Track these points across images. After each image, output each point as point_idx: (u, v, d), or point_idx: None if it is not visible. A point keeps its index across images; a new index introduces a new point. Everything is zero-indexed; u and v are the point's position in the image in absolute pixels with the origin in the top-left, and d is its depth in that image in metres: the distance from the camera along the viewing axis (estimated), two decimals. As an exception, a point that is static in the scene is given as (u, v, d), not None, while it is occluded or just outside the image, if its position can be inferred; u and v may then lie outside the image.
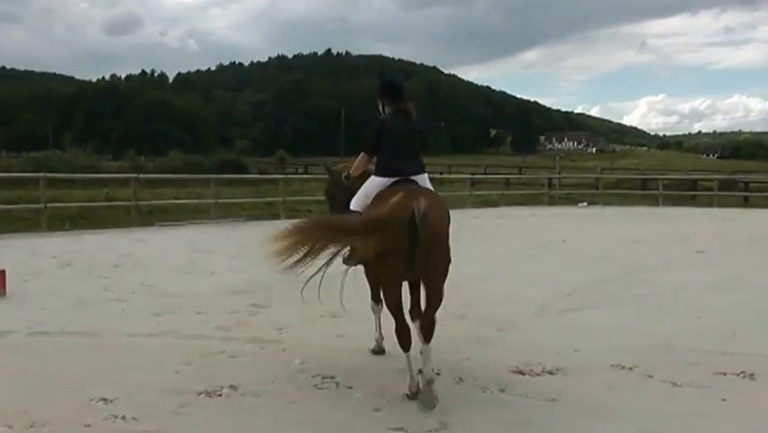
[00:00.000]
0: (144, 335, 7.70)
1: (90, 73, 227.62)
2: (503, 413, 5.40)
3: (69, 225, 18.64)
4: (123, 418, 5.21)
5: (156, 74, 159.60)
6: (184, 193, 24.22)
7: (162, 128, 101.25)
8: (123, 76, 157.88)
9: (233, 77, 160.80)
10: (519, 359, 6.75)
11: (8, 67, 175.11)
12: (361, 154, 6.50)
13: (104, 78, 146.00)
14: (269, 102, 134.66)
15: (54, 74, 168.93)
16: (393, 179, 6.12)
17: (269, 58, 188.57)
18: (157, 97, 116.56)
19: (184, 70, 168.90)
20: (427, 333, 5.69)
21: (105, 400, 5.58)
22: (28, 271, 11.18)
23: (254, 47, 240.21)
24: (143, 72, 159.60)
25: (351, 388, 5.98)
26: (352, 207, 6.29)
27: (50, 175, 20.39)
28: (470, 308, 8.98)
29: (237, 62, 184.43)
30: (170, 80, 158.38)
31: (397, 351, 6.03)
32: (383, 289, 6.09)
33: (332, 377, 6.22)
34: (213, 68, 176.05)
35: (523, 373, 6.40)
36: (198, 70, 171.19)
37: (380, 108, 6.58)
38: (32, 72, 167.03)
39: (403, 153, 6.22)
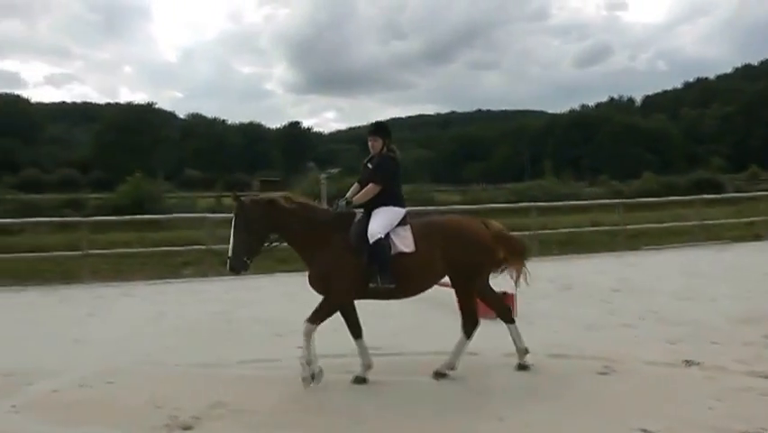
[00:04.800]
0: (663, 364, 7.46)
1: (560, 106, 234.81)
2: None
3: (558, 250, 19.04)
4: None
5: (624, 99, 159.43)
6: (665, 215, 23.55)
7: (630, 152, 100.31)
8: (593, 104, 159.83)
9: (699, 92, 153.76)
10: None
11: (484, 109, 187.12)
12: (372, 185, 7.15)
13: (572, 109, 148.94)
14: (736, 115, 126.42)
15: (526, 111, 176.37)
16: (405, 210, 7.26)
17: (735, 68, 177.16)
18: (624, 122, 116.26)
19: (651, 92, 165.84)
20: None
21: (644, 431, 5.46)
22: (531, 294, 11.48)
23: (720, 59, 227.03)
24: (611, 99, 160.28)
25: None
26: (379, 234, 6.92)
27: (539, 204, 21.14)
28: None
29: (703, 77, 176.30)
30: (638, 104, 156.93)
31: None
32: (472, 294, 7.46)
33: None
34: (679, 86, 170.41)
35: None
36: (665, 90, 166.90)
37: (377, 147, 7.34)
38: (506, 111, 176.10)
39: (401, 187, 7.44)
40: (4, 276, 15.70)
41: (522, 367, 7.41)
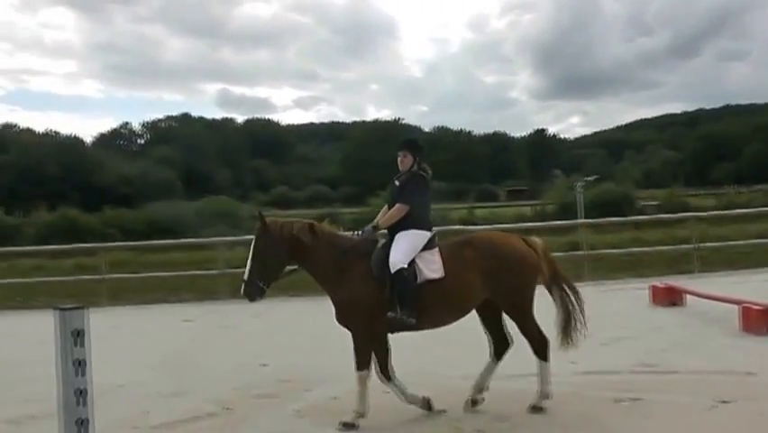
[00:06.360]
0: None
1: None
2: None
3: None
4: None
5: None
6: None
7: None
8: None
9: None
10: None
11: (732, 103, 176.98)
12: (399, 206, 6.66)
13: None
14: None
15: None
16: (430, 233, 6.70)
17: None
18: None
19: None
20: None
21: None
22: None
23: None
24: None
25: None
26: (402, 262, 6.35)
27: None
28: None
29: None
30: None
31: None
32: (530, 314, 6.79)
33: None
34: None
35: None
36: None
37: (407, 163, 6.86)
38: (755, 104, 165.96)
39: (430, 208, 6.96)
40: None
41: (474, 403, 6.77)
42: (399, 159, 6.92)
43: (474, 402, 6.76)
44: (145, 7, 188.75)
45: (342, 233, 6.95)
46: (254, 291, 6.45)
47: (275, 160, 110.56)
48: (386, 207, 7.01)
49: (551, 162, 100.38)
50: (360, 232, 6.80)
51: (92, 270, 18.28)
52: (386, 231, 6.77)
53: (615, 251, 18.82)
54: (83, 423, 3.08)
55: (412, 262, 6.46)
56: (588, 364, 8.02)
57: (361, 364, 6.53)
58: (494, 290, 6.61)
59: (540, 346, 6.75)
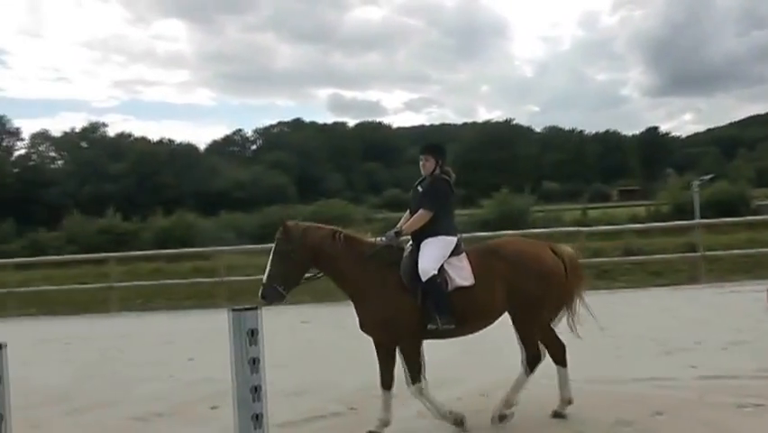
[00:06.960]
0: None
1: None
2: None
3: None
4: None
5: None
6: None
7: None
8: None
9: None
10: None
11: None
12: (422, 212, 6.53)
13: None
14: None
15: None
16: (456, 238, 6.55)
17: None
18: None
19: None
20: None
21: None
22: None
23: None
24: None
25: None
26: (432, 270, 6.23)
27: None
28: None
29: None
30: None
31: None
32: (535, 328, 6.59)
33: None
34: None
35: None
36: None
37: (429, 168, 6.75)
38: None
39: (454, 213, 6.81)
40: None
41: (557, 415, 6.69)
42: (421, 163, 6.84)
43: (559, 415, 6.71)
44: (255, 16, 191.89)
45: (367, 239, 6.73)
46: (272, 295, 6.34)
47: (386, 162, 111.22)
48: (407, 212, 6.93)
49: (663, 161, 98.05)
50: (382, 238, 6.63)
51: (209, 273, 18.93)
52: (409, 238, 6.67)
53: (730, 252, 18.16)
54: (258, 418, 3.35)
55: (441, 269, 6.35)
56: (708, 369, 7.94)
57: (415, 377, 6.47)
58: (512, 301, 6.51)
59: (533, 360, 6.63)
